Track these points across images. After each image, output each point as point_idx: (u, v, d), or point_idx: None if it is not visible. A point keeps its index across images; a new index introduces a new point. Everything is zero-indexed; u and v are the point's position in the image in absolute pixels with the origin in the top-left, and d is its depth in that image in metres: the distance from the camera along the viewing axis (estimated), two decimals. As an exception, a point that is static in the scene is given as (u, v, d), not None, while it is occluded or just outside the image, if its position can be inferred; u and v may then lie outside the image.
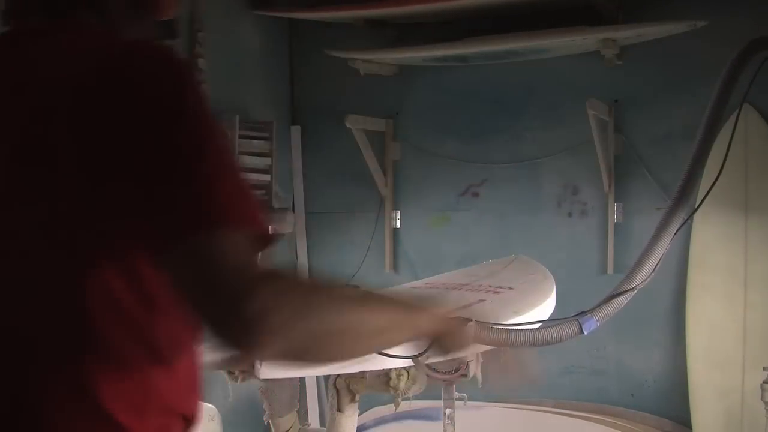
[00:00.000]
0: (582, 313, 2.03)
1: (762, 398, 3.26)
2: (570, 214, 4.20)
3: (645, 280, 2.06)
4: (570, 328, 2.01)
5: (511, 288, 2.57)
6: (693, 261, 3.85)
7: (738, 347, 3.71)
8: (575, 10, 3.88)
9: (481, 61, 4.16)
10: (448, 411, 2.66)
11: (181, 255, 0.87)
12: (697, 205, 2.21)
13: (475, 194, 4.38)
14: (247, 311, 0.84)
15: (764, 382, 3.25)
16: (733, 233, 3.76)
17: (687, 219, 2.13)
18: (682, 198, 2.15)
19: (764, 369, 3.28)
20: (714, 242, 3.82)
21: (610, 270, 4.01)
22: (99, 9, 1.04)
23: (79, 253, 0.92)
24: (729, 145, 2.21)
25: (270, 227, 0.94)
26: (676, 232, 2.10)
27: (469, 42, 3.98)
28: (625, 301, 2.07)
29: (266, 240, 0.93)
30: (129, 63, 0.93)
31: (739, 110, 2.39)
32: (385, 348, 1.21)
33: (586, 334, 2.01)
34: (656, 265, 2.07)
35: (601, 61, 3.90)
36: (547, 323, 2.10)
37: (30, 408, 0.92)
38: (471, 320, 1.93)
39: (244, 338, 0.86)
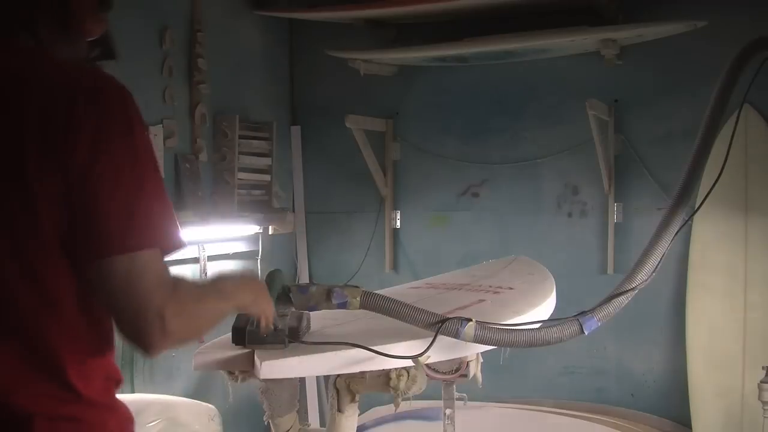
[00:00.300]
0: (582, 313, 2.03)
1: (759, 398, 3.25)
2: (570, 214, 4.20)
3: (646, 280, 2.06)
4: (570, 328, 2.01)
5: (511, 288, 2.57)
6: (693, 261, 3.85)
7: (738, 347, 3.71)
8: (575, 11, 3.88)
9: (481, 61, 4.16)
10: (448, 411, 2.66)
11: (105, 270, 1.13)
12: (697, 206, 2.21)
13: (475, 194, 4.38)
14: (156, 322, 1.13)
15: (761, 382, 3.24)
16: (733, 233, 3.76)
17: (688, 219, 2.13)
18: (683, 198, 2.15)
19: (763, 368, 3.28)
20: (714, 242, 3.82)
21: (610, 270, 4.02)
22: (34, 32, 1.23)
23: (54, 251, 1.15)
24: (729, 146, 2.21)
25: (180, 239, 1.20)
26: (677, 232, 2.11)
27: (469, 42, 3.98)
28: (626, 301, 2.07)
29: (177, 248, 1.20)
30: (89, 96, 1.14)
31: (740, 110, 2.39)
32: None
33: (587, 334, 2.01)
34: (657, 265, 2.07)
35: (601, 61, 3.90)
36: (547, 323, 2.10)
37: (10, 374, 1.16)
38: (471, 319, 1.94)
39: (152, 341, 1.14)
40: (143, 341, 1.14)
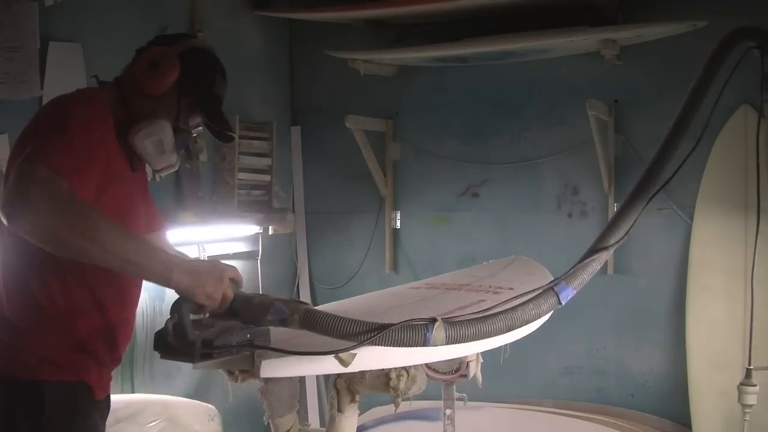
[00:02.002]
0: (556, 281, 1.89)
1: (739, 400, 3.01)
2: (570, 214, 4.20)
3: (617, 242, 2.00)
4: (547, 301, 1.85)
5: (511, 288, 2.57)
6: (693, 261, 3.85)
7: (738, 347, 3.71)
8: (575, 11, 3.88)
9: (481, 61, 4.16)
10: (448, 411, 2.67)
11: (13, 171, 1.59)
12: (675, 170, 2.18)
13: (475, 194, 4.38)
14: (17, 198, 1.52)
15: (741, 384, 3.04)
16: (733, 233, 3.76)
17: (664, 185, 2.10)
18: (658, 165, 2.13)
19: (746, 369, 3.19)
20: (714, 242, 3.81)
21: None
22: (119, 89, 1.90)
23: None
24: (707, 121, 2.19)
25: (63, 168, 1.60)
26: (651, 198, 2.07)
27: (469, 42, 3.97)
28: (599, 266, 1.96)
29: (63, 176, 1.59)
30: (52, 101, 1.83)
31: (718, 97, 2.37)
32: (134, 272, 1.66)
33: (563, 304, 1.87)
34: (629, 229, 2.02)
35: (601, 61, 3.90)
36: (520, 301, 1.88)
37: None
38: (437, 319, 1.71)
39: (11, 212, 1.52)
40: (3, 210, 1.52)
